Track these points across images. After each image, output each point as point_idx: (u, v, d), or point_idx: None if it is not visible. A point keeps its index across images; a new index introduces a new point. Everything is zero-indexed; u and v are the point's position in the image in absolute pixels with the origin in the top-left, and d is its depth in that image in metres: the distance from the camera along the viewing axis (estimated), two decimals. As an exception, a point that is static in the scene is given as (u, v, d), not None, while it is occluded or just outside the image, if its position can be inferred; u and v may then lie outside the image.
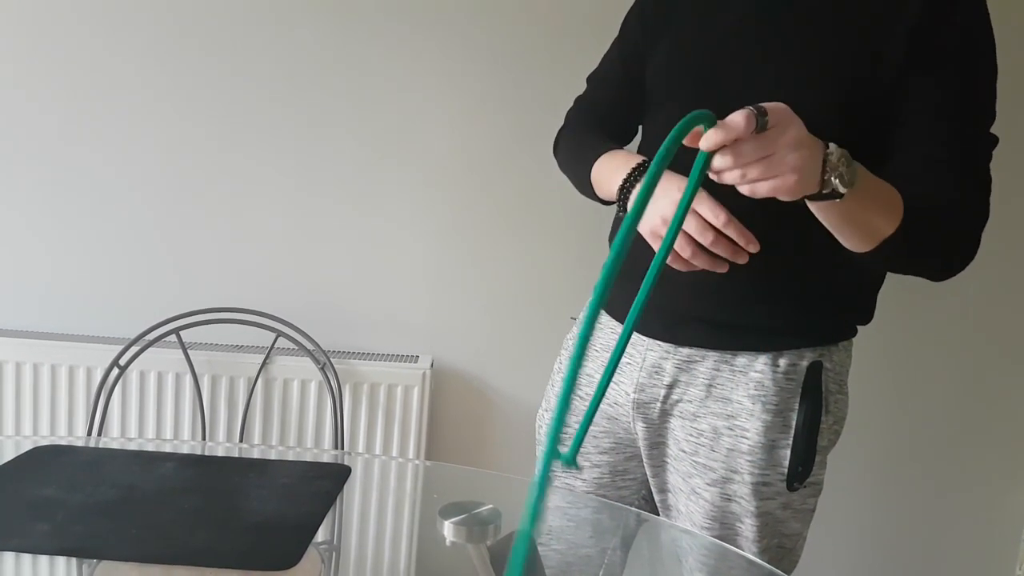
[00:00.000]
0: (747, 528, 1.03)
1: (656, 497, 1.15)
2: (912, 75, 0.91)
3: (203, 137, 1.77)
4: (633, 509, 1.16)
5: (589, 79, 1.26)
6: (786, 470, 1.01)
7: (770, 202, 0.82)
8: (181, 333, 1.65)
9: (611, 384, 1.11)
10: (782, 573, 0.97)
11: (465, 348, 1.86)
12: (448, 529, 0.73)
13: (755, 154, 0.76)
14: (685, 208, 0.76)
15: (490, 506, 0.76)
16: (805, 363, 1.01)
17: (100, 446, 1.16)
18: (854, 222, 0.87)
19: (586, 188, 1.10)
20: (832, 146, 0.81)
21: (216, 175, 1.78)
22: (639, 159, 1.00)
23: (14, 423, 1.72)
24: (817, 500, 1.08)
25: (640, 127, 1.20)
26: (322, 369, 1.67)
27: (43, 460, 1.07)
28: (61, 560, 0.86)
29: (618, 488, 1.18)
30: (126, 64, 1.73)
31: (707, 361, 1.03)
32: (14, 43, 1.72)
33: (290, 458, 1.15)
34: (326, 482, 1.05)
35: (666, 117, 1.06)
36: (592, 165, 1.06)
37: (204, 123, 1.76)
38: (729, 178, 0.78)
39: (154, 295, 1.79)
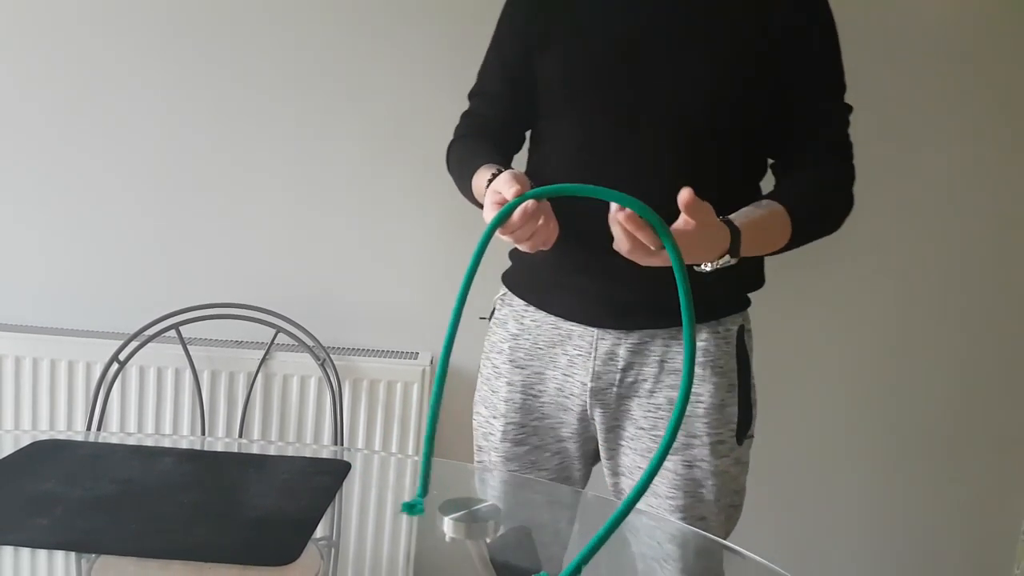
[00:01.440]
0: (708, 491, 1.10)
1: (608, 481, 1.20)
2: (793, 59, 1.05)
3: (203, 133, 1.77)
4: (582, 491, 1.21)
5: (472, 96, 1.25)
6: (735, 426, 1.11)
7: (705, 191, 0.96)
8: (181, 328, 1.65)
9: (566, 375, 1.15)
10: (729, 544, 1.03)
11: (465, 345, 1.85)
12: (447, 525, 0.73)
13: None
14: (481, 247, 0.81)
15: (489, 503, 0.76)
16: (735, 327, 1.12)
17: (99, 441, 1.16)
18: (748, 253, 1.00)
19: (475, 203, 1.13)
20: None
21: (216, 171, 1.78)
22: (498, 168, 1.03)
23: (13, 418, 1.72)
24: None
25: (529, 133, 1.22)
26: (322, 365, 1.67)
27: (42, 455, 1.07)
28: (60, 554, 0.86)
29: (564, 473, 1.22)
30: (125, 60, 1.73)
31: (657, 341, 1.11)
32: (12, 40, 1.72)
33: (289, 454, 1.15)
34: (325, 478, 1.05)
35: (569, 125, 1.11)
36: (471, 181, 1.10)
37: (204, 119, 1.76)
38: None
39: (154, 290, 1.79)
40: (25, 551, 0.85)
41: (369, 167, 1.79)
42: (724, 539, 1.11)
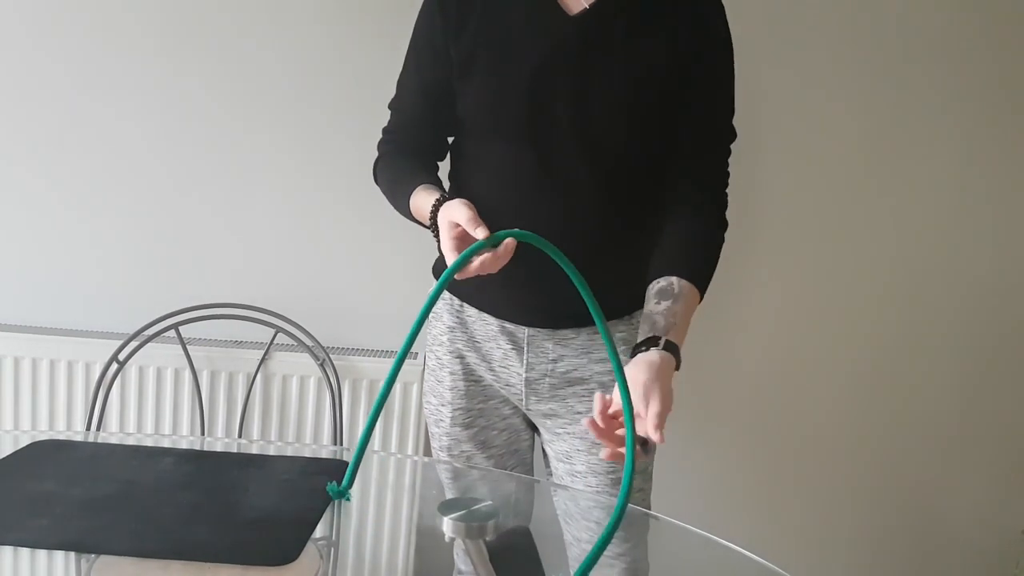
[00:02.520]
0: (639, 462, 1.21)
1: (552, 465, 1.29)
2: (693, 81, 1.13)
3: (203, 132, 1.77)
4: (528, 477, 1.32)
5: (392, 109, 1.27)
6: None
7: (620, 206, 1.16)
8: (180, 328, 1.65)
9: (502, 368, 1.24)
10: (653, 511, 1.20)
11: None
12: (446, 525, 0.73)
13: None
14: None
15: (489, 502, 0.76)
16: (637, 319, 1.23)
17: (99, 441, 1.16)
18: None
19: (411, 218, 1.17)
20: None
21: (216, 171, 1.78)
22: (441, 192, 1.09)
23: (13, 418, 1.72)
24: None
25: (452, 143, 1.25)
26: (321, 365, 1.67)
27: (42, 455, 1.07)
28: (60, 554, 0.86)
29: (513, 447, 1.33)
30: (126, 60, 1.73)
31: (581, 336, 1.22)
32: (10, 39, 1.71)
33: (289, 454, 1.15)
34: (325, 478, 1.05)
35: (493, 151, 1.17)
36: (409, 200, 1.14)
37: (204, 119, 1.76)
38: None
39: (153, 290, 1.79)
40: (25, 551, 0.85)
41: (368, 166, 1.79)
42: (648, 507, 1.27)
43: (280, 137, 1.77)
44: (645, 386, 0.96)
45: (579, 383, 1.23)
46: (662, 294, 1.10)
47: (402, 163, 1.22)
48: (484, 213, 1.07)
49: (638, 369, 0.99)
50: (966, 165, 1.84)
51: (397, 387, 1.74)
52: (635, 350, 1.05)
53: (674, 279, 1.10)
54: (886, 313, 1.92)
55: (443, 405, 1.29)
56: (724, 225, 1.19)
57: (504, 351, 1.23)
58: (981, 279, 1.90)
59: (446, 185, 1.23)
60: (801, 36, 1.77)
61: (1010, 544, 2.02)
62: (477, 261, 0.95)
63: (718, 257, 1.17)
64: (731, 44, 1.17)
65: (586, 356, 1.22)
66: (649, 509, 1.27)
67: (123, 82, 1.74)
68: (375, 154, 1.28)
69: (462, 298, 1.26)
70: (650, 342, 1.04)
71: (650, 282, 1.13)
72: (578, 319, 1.21)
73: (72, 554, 0.86)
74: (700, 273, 1.13)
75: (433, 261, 1.35)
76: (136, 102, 1.75)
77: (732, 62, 1.17)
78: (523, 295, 1.20)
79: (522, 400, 1.25)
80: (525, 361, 1.22)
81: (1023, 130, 1.82)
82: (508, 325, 1.22)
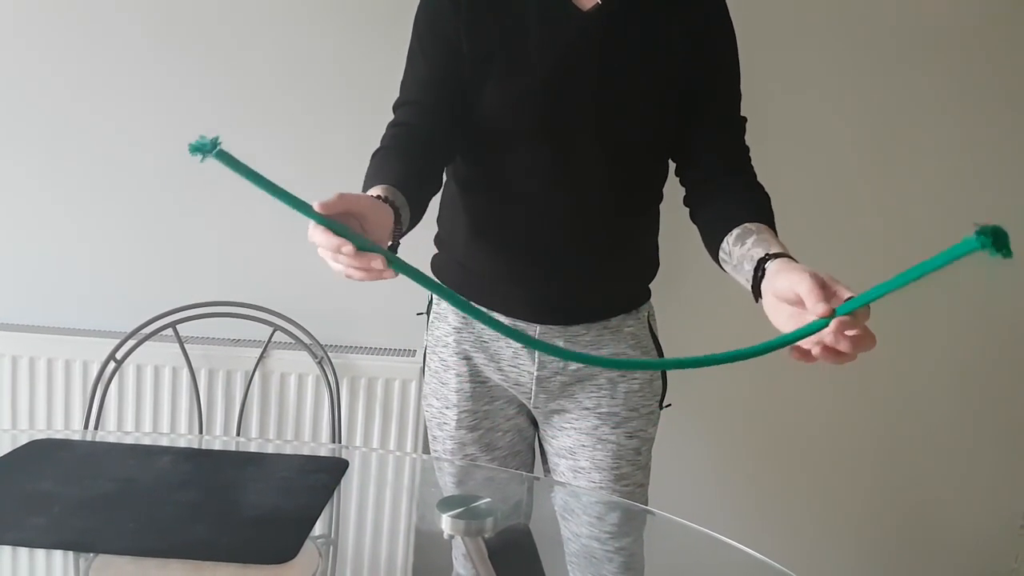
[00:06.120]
0: (644, 457, 1.26)
1: (552, 461, 1.30)
2: (705, 78, 1.14)
3: (200, 130, 1.75)
4: (528, 475, 1.33)
5: (398, 106, 1.19)
6: (660, 396, 1.28)
7: (634, 196, 1.18)
8: (178, 327, 1.64)
9: (511, 367, 1.24)
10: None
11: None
12: (446, 523, 0.73)
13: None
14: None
15: (488, 499, 0.76)
16: (645, 314, 1.28)
17: (97, 440, 1.16)
18: None
19: None
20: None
21: (213, 169, 1.76)
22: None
23: (11, 417, 1.71)
24: None
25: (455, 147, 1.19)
26: (319, 363, 1.67)
27: (40, 454, 1.06)
28: (58, 554, 0.86)
29: (516, 448, 1.32)
30: (124, 58, 1.73)
31: (591, 332, 1.23)
32: (8, 39, 1.71)
33: (287, 452, 1.15)
34: (323, 476, 1.05)
35: (513, 159, 1.15)
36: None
37: (201, 116, 1.75)
38: None
39: (151, 289, 1.79)
40: (23, 550, 0.85)
41: (366, 164, 1.78)
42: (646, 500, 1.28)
43: (276, 134, 1.77)
44: (786, 288, 0.91)
45: (589, 379, 1.23)
46: (741, 237, 1.03)
47: (385, 158, 1.12)
48: (497, 217, 1.09)
49: (768, 294, 0.94)
50: (967, 163, 1.84)
51: (395, 384, 1.74)
52: (754, 289, 0.98)
53: (746, 224, 1.05)
54: (885, 307, 1.92)
55: (447, 408, 1.27)
56: (762, 186, 1.17)
57: (515, 349, 1.22)
58: (981, 275, 1.90)
59: (439, 197, 1.20)
60: (799, 32, 1.77)
61: (1009, 538, 2.03)
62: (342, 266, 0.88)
63: (771, 208, 1.13)
64: (732, 24, 1.17)
65: (596, 352, 1.23)
66: (647, 504, 1.27)
67: (118, 80, 1.73)
68: (372, 151, 1.24)
69: (470, 298, 1.21)
70: (760, 263, 0.97)
71: (719, 242, 1.08)
72: (589, 316, 1.22)
73: (70, 553, 0.86)
74: (767, 217, 1.09)
75: (430, 258, 1.35)
76: (132, 100, 1.74)
77: (736, 43, 1.18)
78: (535, 293, 1.20)
79: (530, 398, 1.25)
80: (536, 359, 1.22)
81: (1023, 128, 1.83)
82: (519, 323, 1.22)
